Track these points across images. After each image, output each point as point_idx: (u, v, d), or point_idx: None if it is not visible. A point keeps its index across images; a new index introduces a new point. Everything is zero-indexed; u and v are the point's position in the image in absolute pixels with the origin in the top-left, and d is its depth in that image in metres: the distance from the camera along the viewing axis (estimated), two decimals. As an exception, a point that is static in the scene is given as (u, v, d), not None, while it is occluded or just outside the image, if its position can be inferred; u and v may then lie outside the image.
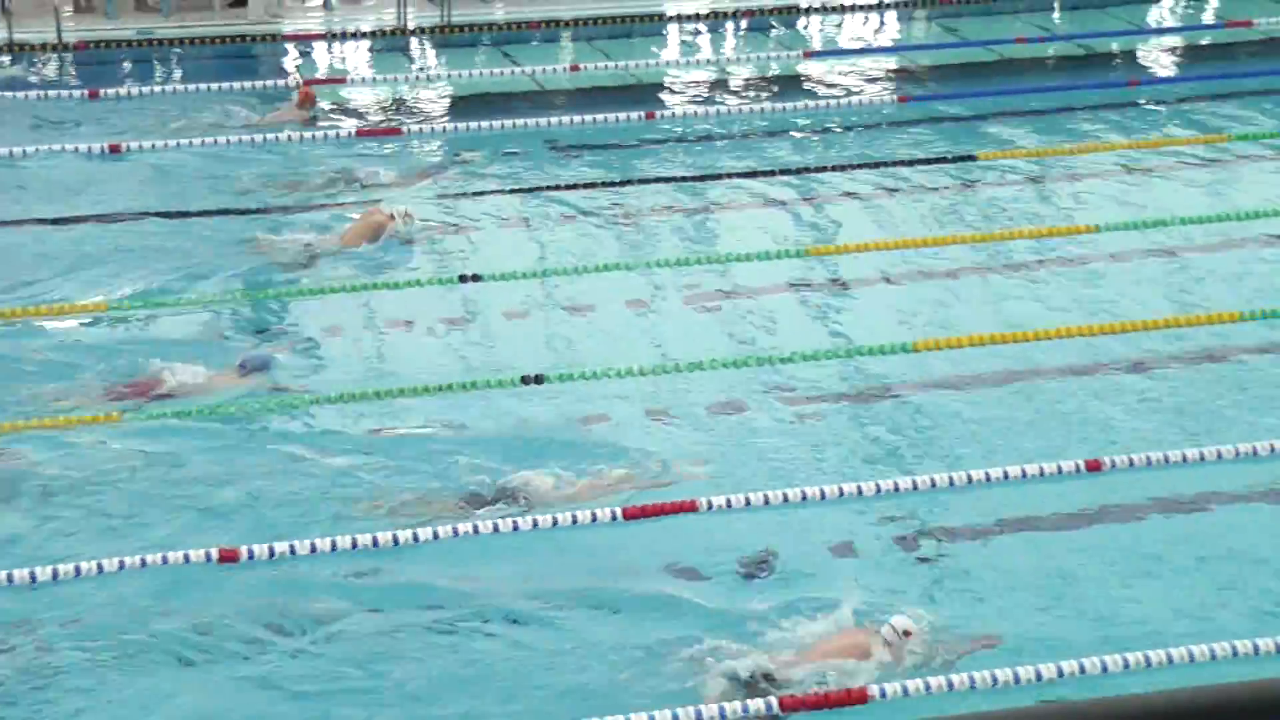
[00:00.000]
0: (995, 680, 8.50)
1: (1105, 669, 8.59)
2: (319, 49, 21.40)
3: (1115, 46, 21.83)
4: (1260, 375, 12.14)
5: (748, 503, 10.36)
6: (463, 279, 14.00)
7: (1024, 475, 10.63)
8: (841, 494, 10.44)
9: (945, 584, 9.57)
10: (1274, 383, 11.99)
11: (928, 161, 16.98)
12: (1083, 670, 8.58)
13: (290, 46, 21.29)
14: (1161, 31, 23.06)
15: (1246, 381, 12.01)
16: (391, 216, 14.66)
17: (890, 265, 14.35)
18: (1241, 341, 12.65)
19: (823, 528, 10.16)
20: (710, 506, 10.29)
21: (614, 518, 10.19)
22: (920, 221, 15.42)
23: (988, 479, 10.60)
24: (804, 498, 10.39)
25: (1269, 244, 14.70)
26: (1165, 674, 8.54)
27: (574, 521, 10.11)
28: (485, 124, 18.08)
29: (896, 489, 10.50)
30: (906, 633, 8.73)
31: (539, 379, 12.09)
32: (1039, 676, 8.54)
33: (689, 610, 9.24)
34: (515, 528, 10.05)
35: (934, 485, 10.53)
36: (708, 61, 21.10)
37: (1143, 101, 19.24)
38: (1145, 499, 10.44)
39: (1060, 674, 8.55)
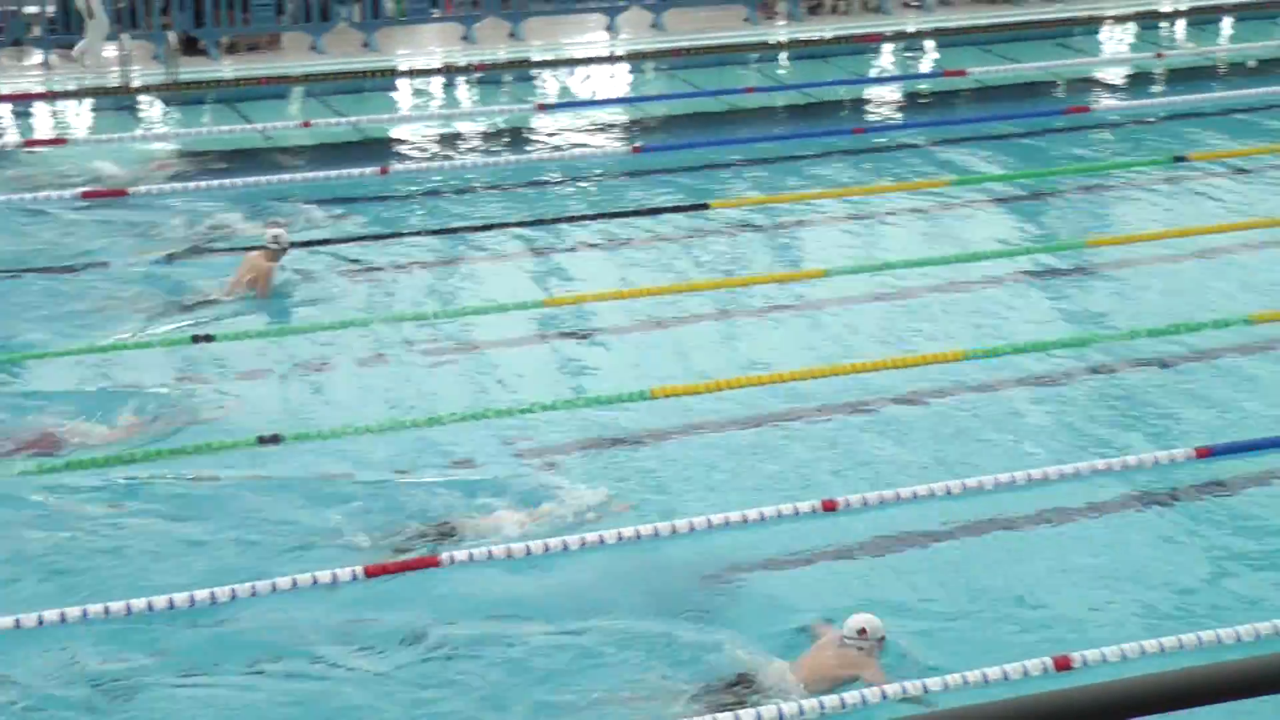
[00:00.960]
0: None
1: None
2: (39, 110, 20.87)
3: (841, 95, 22.42)
4: (983, 412, 12.50)
5: (489, 555, 10.33)
6: (195, 339, 13.76)
7: (762, 518, 10.78)
8: (584, 544, 10.47)
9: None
10: (994, 420, 12.36)
11: (662, 210, 17.21)
12: None
13: (5, 107, 20.72)
14: (883, 80, 23.77)
15: (967, 420, 12.35)
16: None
17: (627, 314, 14.48)
18: (966, 380, 13.02)
19: (565, 572, 10.18)
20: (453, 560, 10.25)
21: (354, 577, 10.07)
22: (656, 270, 15.61)
23: (727, 523, 10.73)
24: (546, 549, 10.40)
25: (990, 284, 15.19)
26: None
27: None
28: (216, 183, 17.81)
29: (638, 536, 10.56)
30: (862, 631, 8.90)
31: (275, 439, 11.91)
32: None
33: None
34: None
35: (674, 531, 10.61)
36: (441, 116, 21.11)
37: (867, 149, 19.79)
38: (873, 536, 10.66)
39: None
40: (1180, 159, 18.70)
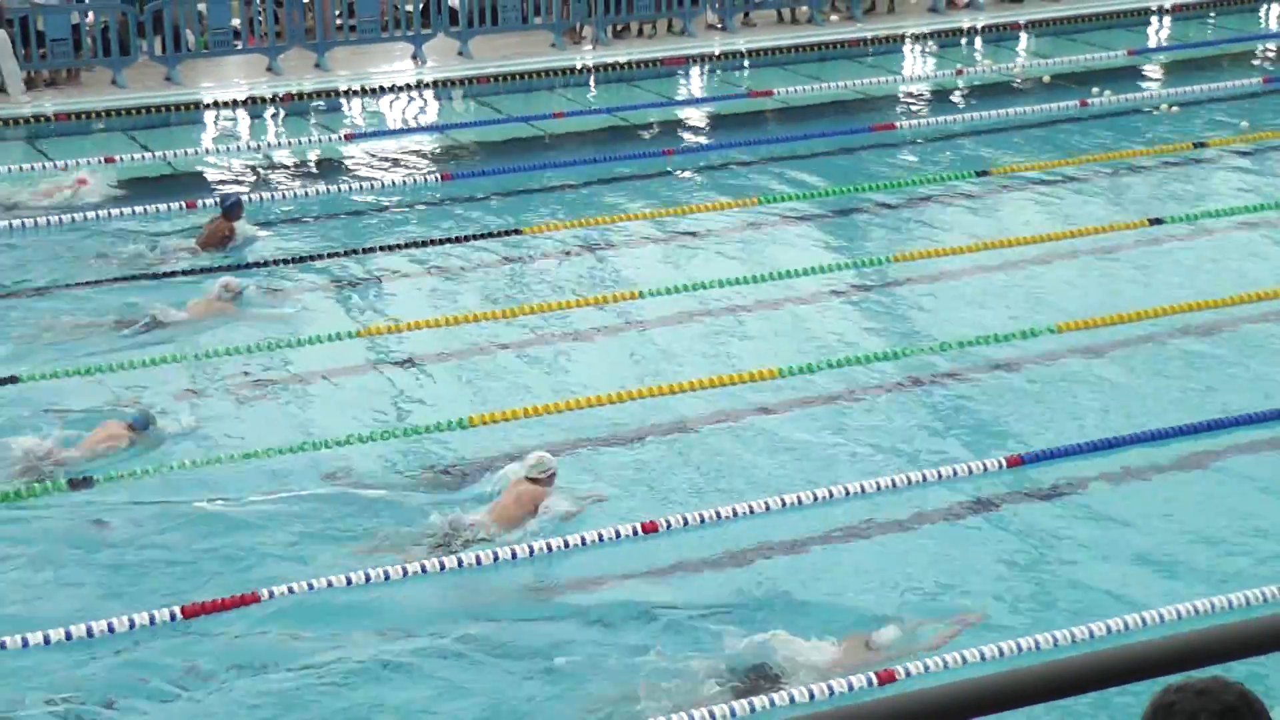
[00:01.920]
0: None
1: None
2: None
3: (651, 118, 22.55)
4: (802, 427, 12.64)
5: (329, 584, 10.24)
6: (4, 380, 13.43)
7: (583, 542, 10.79)
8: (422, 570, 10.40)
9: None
10: (809, 435, 12.50)
11: (475, 237, 17.15)
12: None
13: None
14: (691, 102, 23.96)
15: (785, 435, 12.48)
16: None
17: (446, 342, 14.42)
18: (777, 399, 13.15)
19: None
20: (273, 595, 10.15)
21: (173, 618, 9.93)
22: (471, 297, 15.56)
23: (549, 548, 10.73)
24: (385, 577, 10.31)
25: (802, 302, 15.37)
26: None
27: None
28: (15, 222, 17.41)
29: (496, 558, 10.54)
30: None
31: (87, 481, 11.68)
32: None
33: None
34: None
35: (514, 555, 10.58)
36: (248, 148, 20.84)
37: (678, 170, 19.94)
38: (693, 557, 10.73)
39: None
40: (983, 173, 19.10)
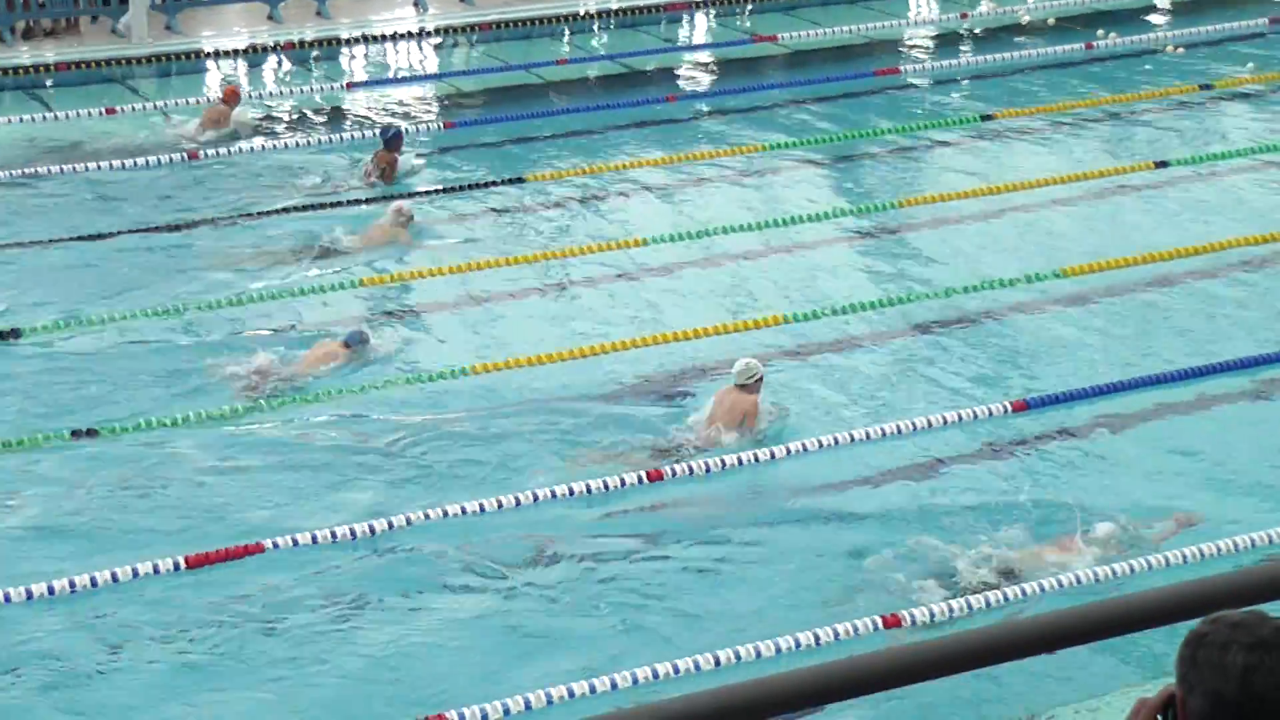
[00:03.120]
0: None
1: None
2: None
3: (651, 65, 22.44)
4: (804, 373, 12.62)
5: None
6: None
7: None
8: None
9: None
10: (815, 381, 12.48)
11: (478, 186, 17.09)
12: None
13: None
14: (694, 48, 23.84)
15: (790, 381, 12.48)
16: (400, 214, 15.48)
17: (448, 291, 14.39)
18: (784, 343, 13.14)
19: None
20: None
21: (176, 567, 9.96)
22: (479, 245, 15.50)
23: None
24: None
25: (809, 248, 15.33)
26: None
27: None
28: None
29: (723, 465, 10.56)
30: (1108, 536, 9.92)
31: (91, 432, 11.68)
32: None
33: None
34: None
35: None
36: (250, 98, 20.74)
37: (681, 117, 19.85)
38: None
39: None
40: (988, 117, 19.01)
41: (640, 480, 10.91)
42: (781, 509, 10.73)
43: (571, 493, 10.82)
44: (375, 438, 11.71)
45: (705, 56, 23.33)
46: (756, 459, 11.19)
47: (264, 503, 10.92)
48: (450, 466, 11.34)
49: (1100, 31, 22.59)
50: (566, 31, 23.99)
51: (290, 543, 10.24)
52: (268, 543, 10.22)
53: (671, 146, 18.56)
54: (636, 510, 10.77)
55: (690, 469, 11.06)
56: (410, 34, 23.51)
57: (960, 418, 11.67)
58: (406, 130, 18.38)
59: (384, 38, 23.20)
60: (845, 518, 10.57)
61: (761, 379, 11.43)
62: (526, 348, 13.03)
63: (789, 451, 11.32)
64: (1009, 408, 11.77)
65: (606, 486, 10.87)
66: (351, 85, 21.19)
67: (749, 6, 24.86)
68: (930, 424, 11.59)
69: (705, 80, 22.09)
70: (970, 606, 9.36)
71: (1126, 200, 16.42)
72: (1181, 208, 16.16)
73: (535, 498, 10.75)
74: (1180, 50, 22.10)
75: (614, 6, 24.67)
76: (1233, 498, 10.65)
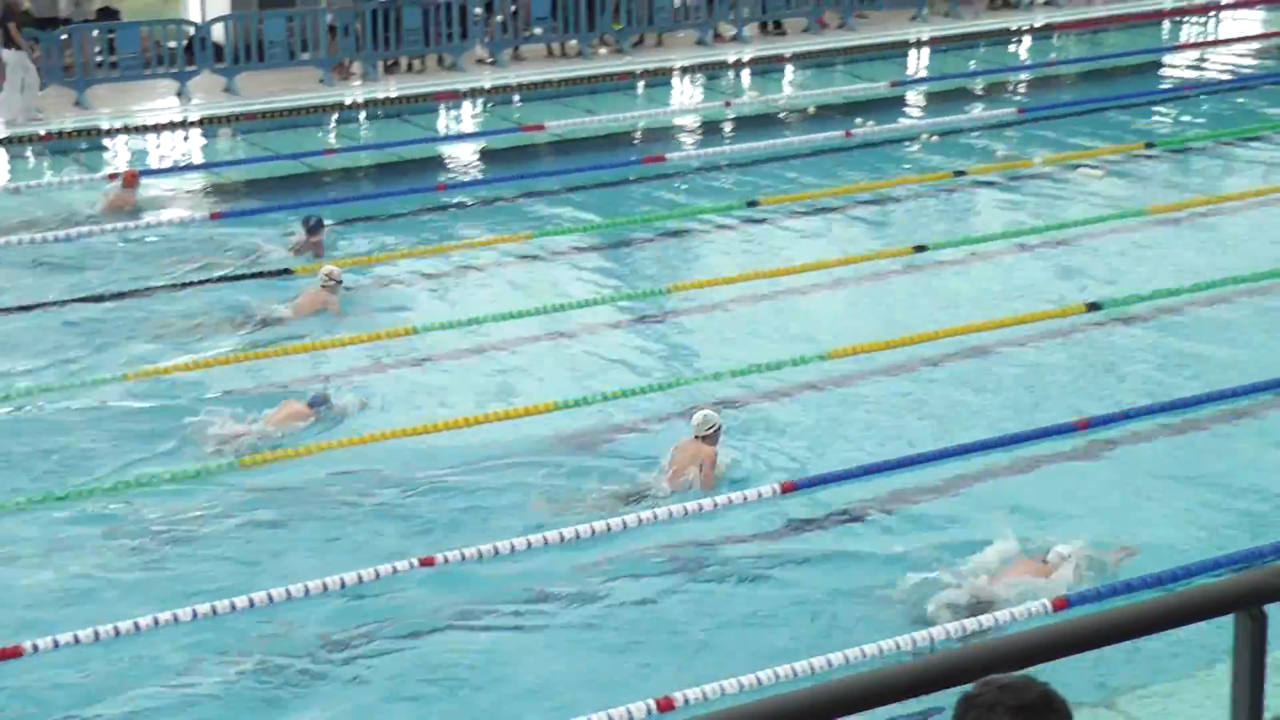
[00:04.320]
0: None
1: None
2: None
3: (423, 153, 22.48)
4: (569, 462, 12.65)
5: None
6: None
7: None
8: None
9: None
10: (580, 467, 12.53)
11: (245, 277, 16.89)
12: None
13: None
14: (464, 137, 23.96)
15: (556, 469, 12.50)
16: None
17: (204, 386, 14.15)
18: (557, 430, 13.18)
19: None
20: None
21: None
22: (233, 339, 15.26)
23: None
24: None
25: (579, 335, 15.42)
26: None
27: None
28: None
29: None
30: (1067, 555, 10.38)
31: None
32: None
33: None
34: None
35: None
36: (7, 190, 20.28)
37: (452, 205, 19.90)
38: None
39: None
40: (753, 203, 19.38)
41: (610, 528, 11.32)
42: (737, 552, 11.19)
43: (560, 539, 11.16)
44: (347, 494, 12.02)
45: (474, 145, 23.44)
46: (716, 505, 11.65)
47: (228, 560, 11.14)
48: (425, 519, 11.64)
49: (859, 119, 23.24)
50: (334, 121, 23.96)
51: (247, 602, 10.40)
52: (241, 599, 10.35)
53: (441, 234, 18.58)
54: (612, 555, 11.09)
55: (655, 515, 11.51)
56: (174, 124, 23.25)
57: (730, 501, 11.79)
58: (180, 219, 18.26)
59: (146, 128, 22.92)
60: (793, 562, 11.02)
61: (719, 429, 12.00)
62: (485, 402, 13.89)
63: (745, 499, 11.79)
64: (778, 489, 11.93)
65: (588, 532, 11.27)
66: (114, 177, 20.84)
67: (516, 96, 25.09)
68: (701, 508, 11.69)
69: (474, 168, 22.18)
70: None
71: (887, 283, 16.84)
72: (940, 290, 16.62)
73: (518, 547, 11.07)
74: (935, 138, 22.81)
75: (381, 96, 24.72)
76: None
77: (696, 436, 12.01)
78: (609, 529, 11.34)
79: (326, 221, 17.93)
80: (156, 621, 10.12)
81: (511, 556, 11.02)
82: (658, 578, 10.86)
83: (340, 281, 15.95)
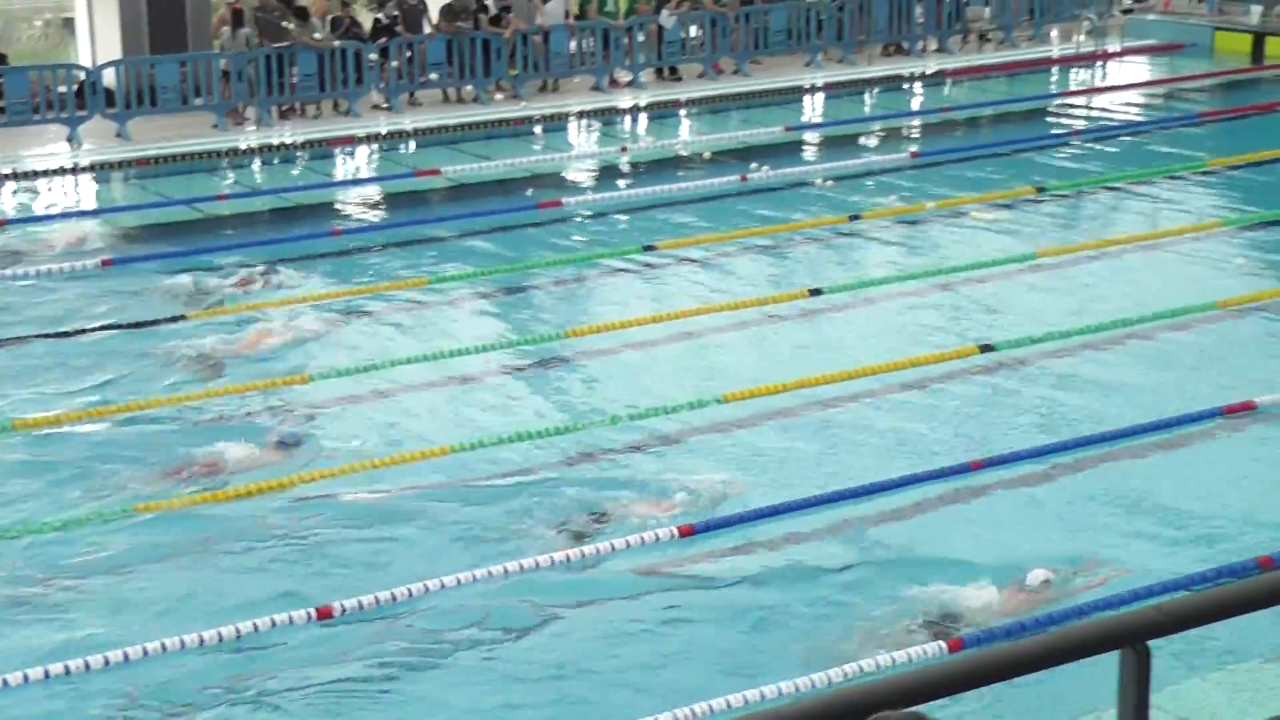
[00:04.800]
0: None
1: None
2: None
3: (318, 199, 22.38)
4: (468, 507, 12.60)
5: None
6: None
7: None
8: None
9: None
10: (477, 514, 12.48)
11: (138, 325, 16.69)
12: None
13: None
14: (358, 182, 23.89)
15: (451, 514, 12.45)
16: None
17: (107, 434, 13.99)
18: (454, 477, 13.12)
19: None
20: None
21: None
22: (131, 386, 15.08)
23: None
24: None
25: (474, 379, 15.37)
26: None
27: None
28: None
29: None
30: (1046, 582, 10.73)
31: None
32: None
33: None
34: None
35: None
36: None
37: (347, 250, 19.81)
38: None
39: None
40: (650, 247, 19.44)
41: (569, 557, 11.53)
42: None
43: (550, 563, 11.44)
44: (327, 526, 12.16)
45: (370, 190, 23.38)
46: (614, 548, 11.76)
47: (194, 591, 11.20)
48: (405, 543, 11.88)
49: (753, 164, 23.41)
50: (228, 166, 23.81)
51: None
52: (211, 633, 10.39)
53: (338, 280, 18.49)
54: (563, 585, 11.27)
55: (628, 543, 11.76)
56: (65, 170, 23.02)
57: (628, 544, 11.78)
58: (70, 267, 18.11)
59: (36, 174, 22.67)
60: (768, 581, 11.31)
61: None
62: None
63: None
64: (676, 533, 11.94)
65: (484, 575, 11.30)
66: (5, 223, 20.58)
67: (412, 142, 25.08)
68: (599, 550, 11.67)
69: (370, 213, 22.11)
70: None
71: (783, 327, 16.93)
72: (836, 333, 16.74)
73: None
74: (830, 182, 23.02)
75: (275, 142, 24.60)
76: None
77: None
78: (505, 572, 11.31)
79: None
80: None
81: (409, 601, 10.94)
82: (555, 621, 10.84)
83: (293, 319, 16.41)
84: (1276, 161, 23.40)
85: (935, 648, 10.07)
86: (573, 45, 28.32)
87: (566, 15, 28.79)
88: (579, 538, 11.89)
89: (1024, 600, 10.75)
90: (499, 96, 27.67)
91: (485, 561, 11.45)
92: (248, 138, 24.72)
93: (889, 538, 12.04)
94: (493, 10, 27.88)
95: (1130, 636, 3.44)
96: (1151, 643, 3.58)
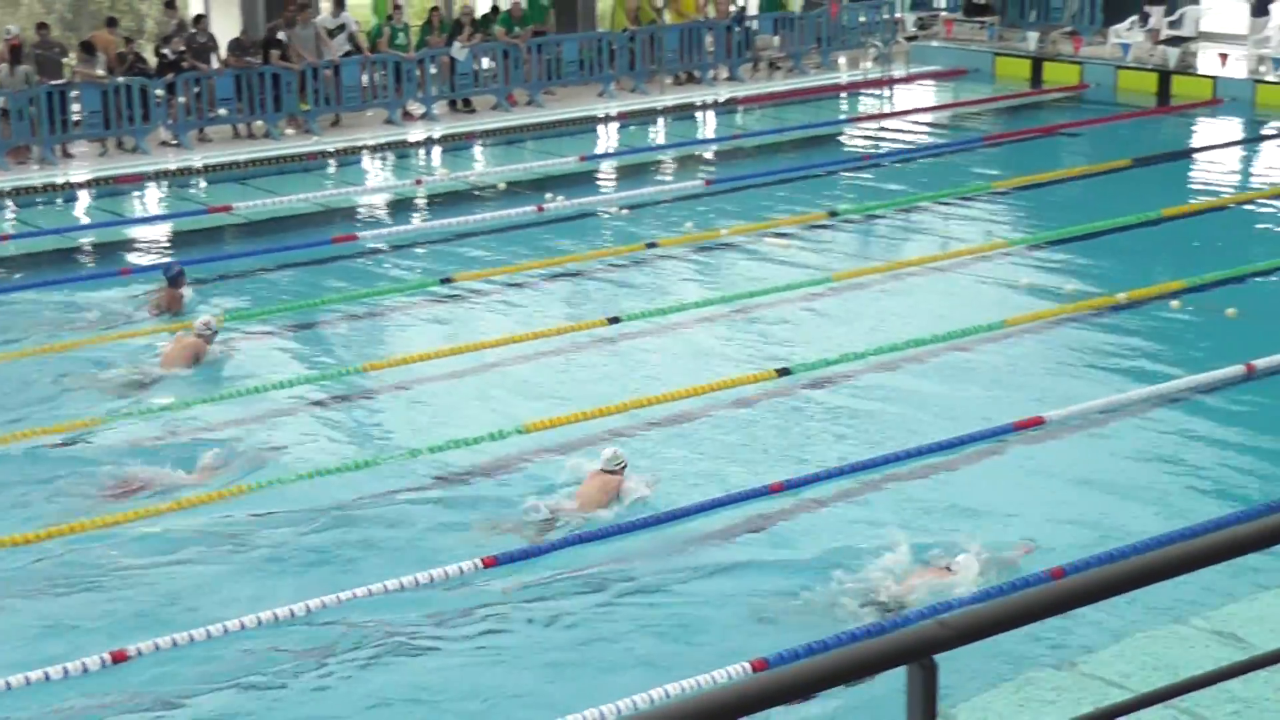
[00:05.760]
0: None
1: None
2: None
3: (105, 238, 21.92)
4: (268, 532, 12.41)
5: None
6: None
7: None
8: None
9: None
10: (252, 560, 12.29)
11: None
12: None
13: None
14: (148, 220, 23.43)
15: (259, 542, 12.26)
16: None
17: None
18: (246, 512, 12.91)
19: None
20: None
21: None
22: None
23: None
24: None
25: (268, 418, 15.13)
26: None
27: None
28: None
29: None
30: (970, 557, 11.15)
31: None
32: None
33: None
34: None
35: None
36: None
37: (138, 293, 19.40)
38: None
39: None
40: (447, 280, 19.33)
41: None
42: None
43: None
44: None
45: (160, 228, 22.94)
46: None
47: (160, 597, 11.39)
48: (346, 552, 12.14)
49: (549, 195, 23.43)
50: (11, 206, 23.24)
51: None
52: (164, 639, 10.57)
53: (128, 320, 18.09)
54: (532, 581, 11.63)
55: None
56: None
57: (432, 579, 11.65)
58: None
59: None
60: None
61: (625, 465, 12.95)
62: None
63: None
64: (480, 564, 11.85)
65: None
66: None
67: (202, 179, 24.69)
68: (403, 585, 11.53)
69: (161, 251, 21.68)
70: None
71: (582, 356, 16.93)
72: (635, 361, 16.78)
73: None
74: (626, 211, 23.12)
75: (59, 181, 24.06)
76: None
77: (604, 470, 12.94)
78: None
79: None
80: None
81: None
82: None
83: (216, 332, 16.50)
84: (1059, 183, 24.04)
85: (739, 669, 10.10)
86: (364, 78, 28.12)
87: (355, 47, 28.54)
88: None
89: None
90: (290, 131, 27.36)
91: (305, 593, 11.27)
92: (31, 177, 24.11)
93: (699, 559, 12.07)
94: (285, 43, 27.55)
95: (915, 653, 3.46)
96: (941, 656, 3.60)
